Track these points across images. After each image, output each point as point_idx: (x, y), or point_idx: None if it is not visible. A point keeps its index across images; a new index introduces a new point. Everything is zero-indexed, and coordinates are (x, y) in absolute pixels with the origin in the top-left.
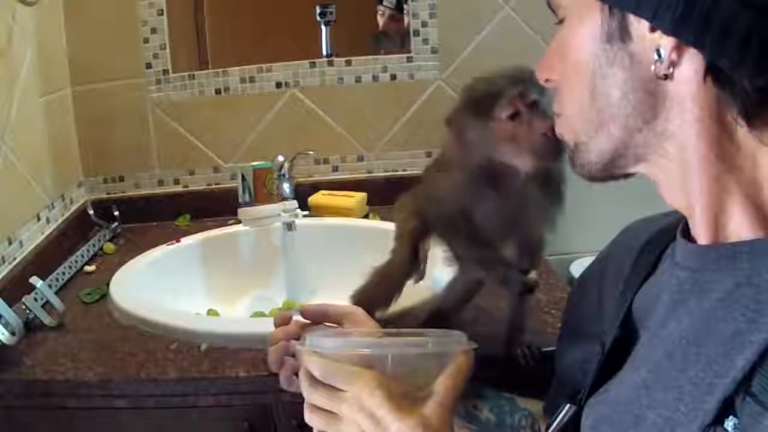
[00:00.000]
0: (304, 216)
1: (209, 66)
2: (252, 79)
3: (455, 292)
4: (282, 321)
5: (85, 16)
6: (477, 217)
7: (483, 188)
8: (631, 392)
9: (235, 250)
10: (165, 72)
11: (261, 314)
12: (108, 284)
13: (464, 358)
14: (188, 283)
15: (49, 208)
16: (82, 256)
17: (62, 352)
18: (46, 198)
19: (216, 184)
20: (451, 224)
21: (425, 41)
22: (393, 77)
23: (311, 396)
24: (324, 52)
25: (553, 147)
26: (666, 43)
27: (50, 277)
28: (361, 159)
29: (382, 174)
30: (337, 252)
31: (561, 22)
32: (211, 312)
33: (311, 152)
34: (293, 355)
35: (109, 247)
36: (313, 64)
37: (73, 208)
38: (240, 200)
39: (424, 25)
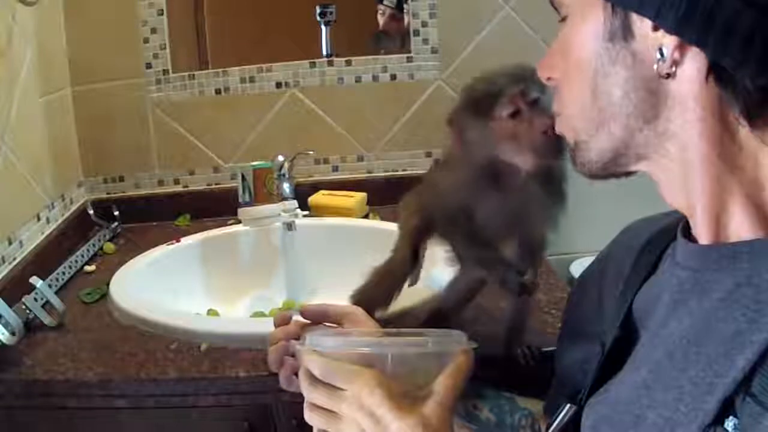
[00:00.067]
0: (304, 216)
1: (209, 66)
2: (252, 79)
3: (456, 291)
4: (282, 321)
5: (85, 16)
6: (478, 217)
7: (484, 187)
8: (632, 392)
9: (235, 250)
10: (165, 72)
11: (261, 314)
12: (108, 284)
13: (464, 358)
14: (188, 283)
15: (49, 208)
16: (82, 256)
17: (62, 352)
18: (46, 198)
19: (216, 184)
20: (452, 223)
21: (425, 41)
22: (393, 77)
23: (311, 395)
24: (324, 52)
25: (554, 145)
26: (669, 42)
27: (50, 277)
28: (361, 159)
29: (382, 174)
30: (337, 252)
31: (563, 20)
32: (211, 312)
33: (311, 152)
34: (293, 355)
35: (109, 247)
36: (313, 64)
37: (73, 208)
38: (240, 200)
39: (424, 25)
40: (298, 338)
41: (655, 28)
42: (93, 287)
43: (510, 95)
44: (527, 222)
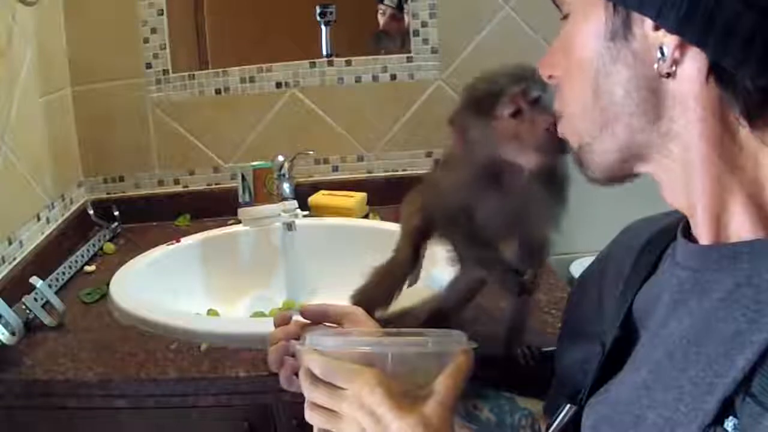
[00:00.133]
0: (304, 216)
1: (209, 66)
2: (252, 79)
3: (456, 291)
4: (282, 321)
5: (85, 16)
6: (479, 216)
7: (486, 187)
8: (632, 392)
9: (235, 250)
10: (165, 72)
11: (261, 314)
12: (108, 284)
13: (464, 358)
14: (188, 283)
15: (49, 208)
16: (82, 256)
17: (62, 352)
18: (46, 198)
19: (216, 184)
20: (453, 223)
21: (425, 41)
22: (393, 77)
23: (312, 394)
24: (324, 52)
25: (556, 142)
26: (669, 41)
27: (50, 277)
28: (361, 159)
29: (382, 174)
30: (337, 252)
31: (565, 17)
32: (211, 312)
33: (311, 152)
34: (293, 355)
35: (109, 247)
36: (313, 64)
37: (73, 208)
38: (240, 200)
39: (424, 25)
40: (298, 338)
41: (656, 28)
42: (93, 287)
43: (511, 94)
44: (529, 222)
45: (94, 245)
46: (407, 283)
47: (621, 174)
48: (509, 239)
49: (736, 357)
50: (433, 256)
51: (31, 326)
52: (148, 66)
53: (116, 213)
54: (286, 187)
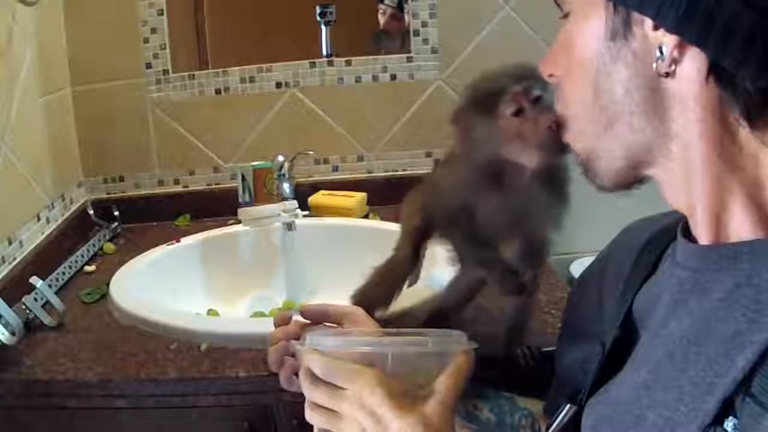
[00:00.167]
0: (304, 216)
1: (209, 66)
2: (252, 79)
3: (456, 291)
4: (282, 321)
5: (85, 16)
6: (480, 216)
7: (487, 187)
8: (632, 392)
9: (235, 250)
10: (165, 72)
11: (261, 314)
12: (108, 284)
13: (464, 358)
14: (188, 283)
15: (49, 208)
16: (82, 256)
17: (62, 352)
18: (46, 198)
19: (216, 184)
20: (454, 223)
21: (425, 41)
22: (393, 77)
23: (312, 394)
24: (324, 52)
25: (559, 140)
26: (669, 41)
27: (50, 277)
28: (361, 159)
29: (382, 174)
30: (337, 252)
31: (566, 16)
32: (211, 312)
33: (311, 152)
34: (293, 355)
35: (109, 247)
36: (313, 64)
37: (73, 208)
38: (240, 200)
39: (424, 25)
40: (298, 338)
41: (656, 27)
42: (93, 287)
43: (513, 93)
44: (530, 222)
45: (94, 245)
46: (407, 283)
47: (628, 180)
48: (510, 239)
49: (736, 357)
50: (433, 255)
51: (31, 326)
52: (148, 66)
53: (116, 213)
54: (286, 187)
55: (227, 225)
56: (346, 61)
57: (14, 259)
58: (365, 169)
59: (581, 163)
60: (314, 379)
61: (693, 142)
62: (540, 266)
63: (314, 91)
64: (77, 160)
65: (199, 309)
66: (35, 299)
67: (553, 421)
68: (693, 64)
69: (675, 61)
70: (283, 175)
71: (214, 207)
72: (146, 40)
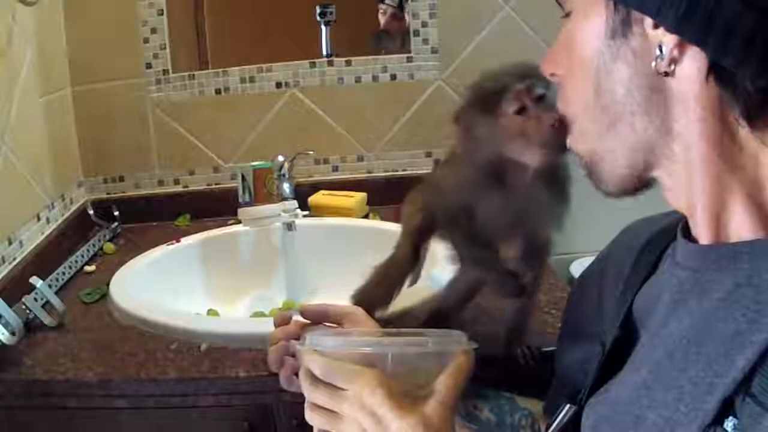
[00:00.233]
0: (304, 216)
1: (209, 66)
2: (252, 79)
3: (456, 291)
4: (282, 321)
5: (85, 16)
6: (481, 216)
7: (488, 186)
8: (632, 392)
9: (235, 250)
10: (165, 72)
11: (261, 314)
12: (108, 284)
13: (464, 358)
14: (188, 283)
15: (49, 208)
16: (82, 256)
17: (62, 352)
18: (46, 198)
19: (216, 184)
20: (454, 222)
21: (425, 41)
22: (393, 77)
23: (312, 395)
24: (324, 52)
25: (561, 139)
26: (668, 40)
27: (50, 277)
28: (361, 159)
29: (382, 174)
30: (337, 252)
31: (567, 16)
32: (211, 312)
33: (311, 152)
34: (293, 355)
35: (109, 247)
36: (313, 64)
37: (73, 208)
38: (240, 200)
39: (424, 25)
40: (298, 338)
41: (656, 26)
42: (93, 287)
43: (516, 91)
44: (531, 222)
45: (94, 245)
46: (408, 282)
47: (633, 185)
48: (511, 239)
49: (736, 357)
50: (434, 255)
51: (31, 326)
52: (148, 66)
53: (116, 213)
54: (286, 187)
55: (227, 225)
56: (346, 61)
57: (14, 259)
58: (365, 169)
59: (585, 167)
60: (314, 379)
61: (693, 141)
62: (541, 267)
63: (314, 91)
64: (77, 160)
65: (199, 309)
66: (35, 299)
67: (553, 421)
68: (693, 63)
69: (674, 61)
70: (283, 175)
71: (214, 207)
72: (146, 40)
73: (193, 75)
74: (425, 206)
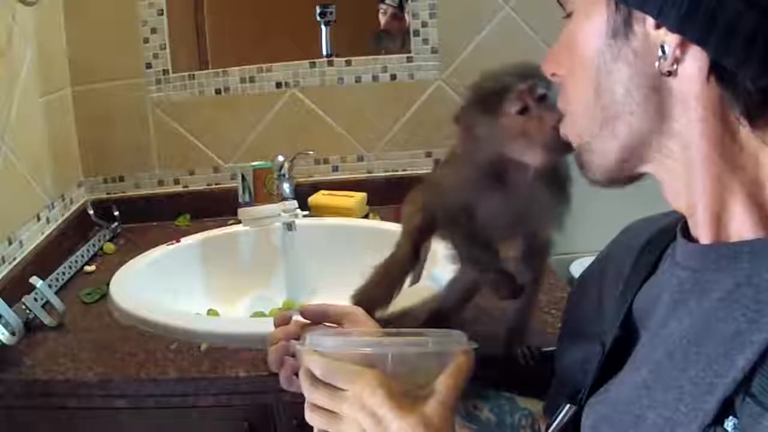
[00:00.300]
0: (304, 216)
1: (209, 66)
2: (252, 79)
3: (456, 291)
4: (282, 321)
5: (85, 16)
6: (481, 216)
7: (489, 186)
8: (632, 392)
9: (235, 250)
10: (165, 72)
11: (261, 314)
12: (108, 284)
13: (464, 358)
14: (188, 283)
15: (49, 208)
16: (82, 256)
17: (62, 352)
18: (46, 198)
19: (216, 184)
20: (455, 222)
21: (425, 41)
22: (393, 77)
23: (312, 395)
24: (324, 52)
25: (563, 140)
26: (670, 40)
27: (50, 277)
28: (361, 159)
29: (382, 174)
30: (337, 252)
31: (568, 16)
32: (211, 312)
33: (311, 152)
34: (293, 355)
35: (109, 247)
36: (313, 64)
37: (73, 208)
38: (240, 200)
39: (424, 25)
40: (298, 338)
41: (657, 26)
42: (93, 287)
43: (518, 91)
44: (532, 222)
45: (94, 245)
46: (408, 282)
47: (621, 175)
48: (511, 239)
49: (736, 357)
50: (434, 255)
51: (31, 326)
52: (148, 66)
53: (116, 213)
54: (286, 187)
55: (227, 225)
56: (346, 61)
57: (14, 259)
58: (365, 169)
59: (576, 156)
60: (314, 380)
61: (694, 141)
62: (542, 267)
63: (314, 91)
64: (77, 160)
65: (199, 309)
66: (35, 299)
67: (553, 421)
68: (694, 63)
69: (677, 61)
70: (283, 175)
71: (214, 207)
72: (146, 40)
73: (193, 75)
74: (425, 206)
